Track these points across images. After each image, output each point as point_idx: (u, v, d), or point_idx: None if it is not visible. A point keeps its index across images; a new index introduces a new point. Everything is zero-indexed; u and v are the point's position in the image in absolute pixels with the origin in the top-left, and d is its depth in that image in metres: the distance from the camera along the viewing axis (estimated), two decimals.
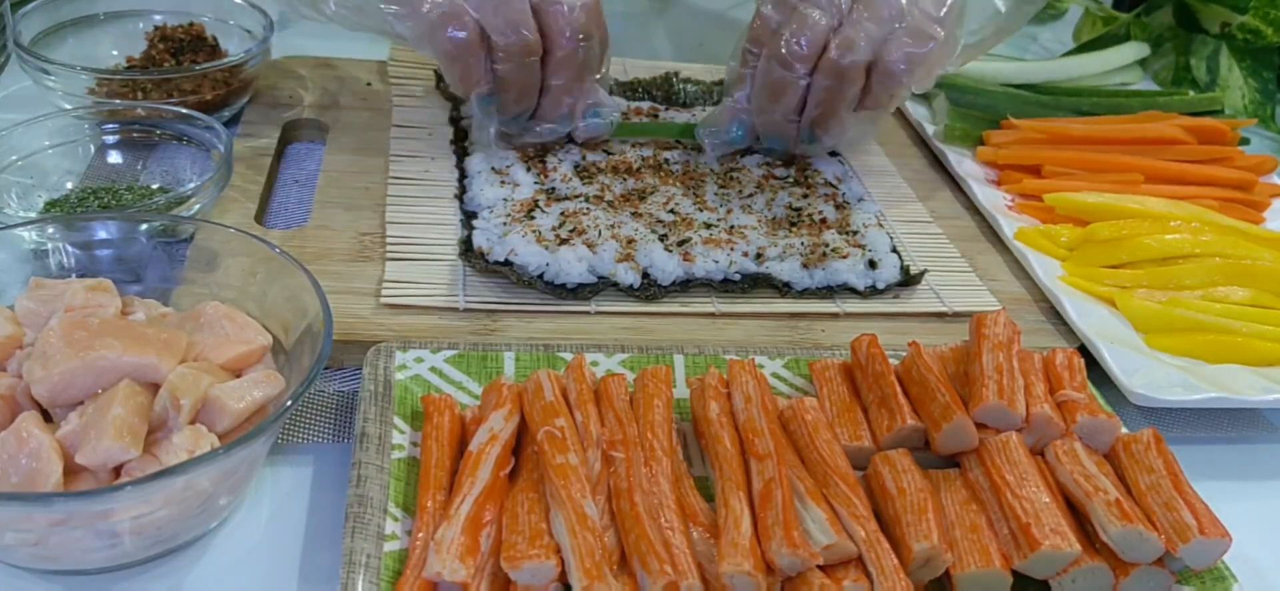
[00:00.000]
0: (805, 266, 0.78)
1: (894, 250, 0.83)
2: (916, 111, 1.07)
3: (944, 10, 0.83)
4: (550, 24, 0.79)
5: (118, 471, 0.51)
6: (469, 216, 0.81)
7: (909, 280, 0.80)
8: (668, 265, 0.76)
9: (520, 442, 0.59)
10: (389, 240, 0.77)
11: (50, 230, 0.65)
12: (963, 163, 0.98)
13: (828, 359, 0.68)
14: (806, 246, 0.80)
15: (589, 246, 0.75)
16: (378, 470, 0.56)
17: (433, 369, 0.64)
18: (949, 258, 0.86)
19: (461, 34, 0.78)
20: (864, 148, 0.99)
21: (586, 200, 0.82)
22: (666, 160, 0.91)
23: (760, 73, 0.85)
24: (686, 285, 0.76)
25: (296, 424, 0.64)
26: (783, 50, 0.82)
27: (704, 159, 0.91)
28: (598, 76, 0.87)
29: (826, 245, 0.81)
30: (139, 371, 0.54)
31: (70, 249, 0.65)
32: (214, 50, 0.95)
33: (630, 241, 0.77)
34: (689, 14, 1.38)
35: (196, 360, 0.57)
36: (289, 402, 0.53)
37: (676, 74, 1.05)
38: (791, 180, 0.90)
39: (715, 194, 0.86)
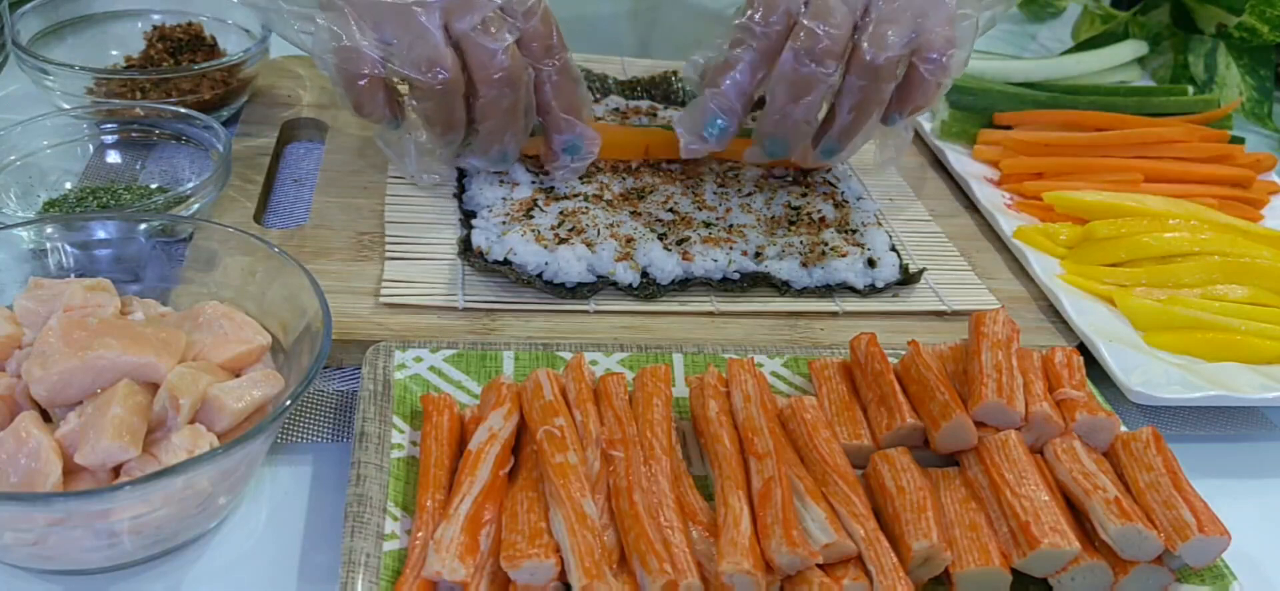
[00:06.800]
0: (804, 265, 0.78)
1: (893, 249, 0.82)
2: None
3: None
4: (474, 63, 0.71)
5: (117, 471, 0.51)
6: (468, 215, 0.81)
7: (908, 279, 0.80)
8: (667, 264, 0.76)
9: (519, 441, 0.59)
10: (388, 239, 0.77)
11: (49, 230, 0.64)
12: (962, 161, 0.98)
13: (827, 358, 0.68)
14: (805, 245, 0.80)
15: (588, 245, 0.75)
16: (377, 469, 0.56)
17: (432, 368, 0.64)
18: (948, 256, 0.86)
19: (364, 70, 0.71)
20: (887, 170, 0.93)
21: (585, 199, 0.82)
22: (665, 159, 0.91)
23: (783, 64, 0.74)
24: (685, 284, 0.76)
25: (296, 423, 0.64)
26: (810, 39, 0.72)
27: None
28: (582, 105, 0.80)
29: (825, 244, 0.81)
30: (138, 371, 0.54)
31: (69, 248, 0.64)
32: (212, 50, 0.95)
33: (629, 240, 0.77)
34: (687, 13, 1.38)
35: (195, 359, 0.57)
36: (288, 402, 0.53)
37: (675, 73, 1.04)
38: (790, 179, 0.90)
39: (714, 192, 0.86)
